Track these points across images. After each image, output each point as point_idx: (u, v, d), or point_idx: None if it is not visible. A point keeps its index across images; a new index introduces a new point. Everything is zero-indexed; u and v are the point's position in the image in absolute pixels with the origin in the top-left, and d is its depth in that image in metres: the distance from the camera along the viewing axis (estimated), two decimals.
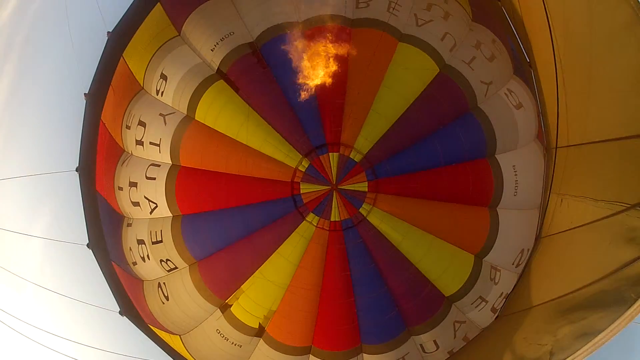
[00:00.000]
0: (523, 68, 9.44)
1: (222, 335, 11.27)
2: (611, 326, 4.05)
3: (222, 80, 11.14)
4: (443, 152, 11.46)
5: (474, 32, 10.58)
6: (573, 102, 6.39)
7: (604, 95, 5.47)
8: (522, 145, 10.59)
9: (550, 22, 6.24)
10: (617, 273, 4.52)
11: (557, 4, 6.07)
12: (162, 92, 10.80)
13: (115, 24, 9.57)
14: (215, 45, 10.91)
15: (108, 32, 9.51)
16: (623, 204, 4.82)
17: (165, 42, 10.51)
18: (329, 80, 11.00)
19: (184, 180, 11.24)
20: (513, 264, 10.75)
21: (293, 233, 11.77)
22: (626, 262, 4.40)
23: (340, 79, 11.19)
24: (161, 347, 10.00)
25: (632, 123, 4.78)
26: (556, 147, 7.35)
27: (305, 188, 11.77)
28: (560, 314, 5.82)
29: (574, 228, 6.47)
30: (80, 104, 9.47)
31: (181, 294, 11.08)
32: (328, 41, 10.80)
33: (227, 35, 10.90)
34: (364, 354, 11.77)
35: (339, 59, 10.90)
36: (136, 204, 10.81)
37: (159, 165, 11.07)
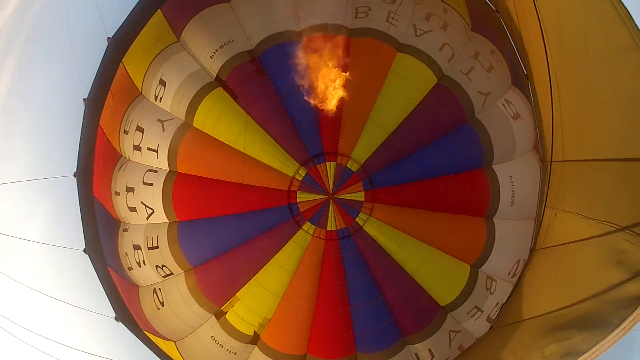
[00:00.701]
0: (521, 79, 9.45)
1: (217, 342, 11.27)
2: (593, 349, 4.07)
3: (220, 88, 11.19)
4: (440, 162, 11.48)
5: (472, 42, 10.58)
6: (569, 118, 6.39)
7: (599, 115, 5.47)
8: (519, 156, 10.59)
9: (545, 39, 6.25)
10: (604, 295, 4.54)
11: (553, 21, 6.07)
12: (161, 98, 10.83)
13: (116, 30, 9.60)
14: (214, 53, 10.95)
15: (108, 37, 9.53)
16: (613, 225, 4.82)
17: (165, 48, 10.54)
18: (326, 90, 11.03)
19: (181, 187, 11.27)
20: (509, 274, 10.74)
21: (289, 241, 11.79)
22: (613, 285, 4.41)
23: (338, 89, 11.21)
24: (156, 354, 9.99)
25: (626, 145, 4.78)
26: (551, 161, 7.34)
27: (301, 197, 11.79)
28: (548, 331, 5.83)
29: (565, 243, 6.47)
30: (79, 109, 9.50)
31: (176, 300, 11.09)
32: (326, 50, 10.81)
33: (226, 43, 10.94)
34: None
35: (337, 68, 10.91)
36: (133, 209, 10.83)
37: (156, 171, 11.09)
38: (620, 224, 4.77)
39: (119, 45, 9.73)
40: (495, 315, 10.54)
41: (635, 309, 3.97)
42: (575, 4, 5.44)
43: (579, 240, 5.83)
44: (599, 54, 5.24)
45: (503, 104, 10.49)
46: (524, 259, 9.80)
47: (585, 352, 4.09)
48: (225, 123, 11.31)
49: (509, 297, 9.16)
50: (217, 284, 11.57)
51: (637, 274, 4.24)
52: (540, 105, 8.27)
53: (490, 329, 9.69)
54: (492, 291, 11.06)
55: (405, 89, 11.35)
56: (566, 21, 5.90)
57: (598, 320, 4.51)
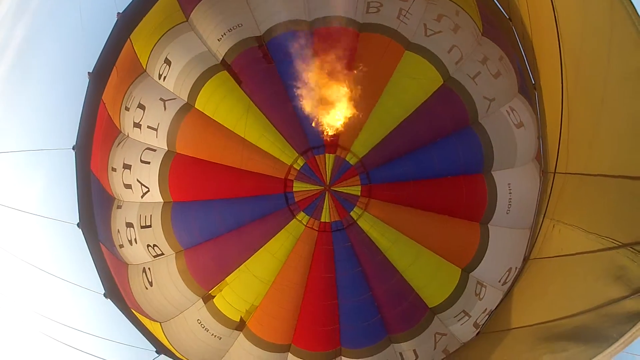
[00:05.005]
0: (527, 89, 9.45)
1: (202, 326, 11.25)
2: None
3: (225, 71, 11.10)
4: (439, 163, 11.45)
5: (482, 46, 10.56)
6: (577, 133, 6.37)
7: (611, 133, 5.44)
8: (520, 165, 10.61)
9: (562, 54, 6.23)
10: (602, 309, 4.55)
11: (574, 39, 6.04)
12: (165, 77, 10.76)
13: (127, 6, 9.54)
14: (222, 36, 10.86)
15: (118, 12, 9.48)
16: (614, 241, 4.82)
17: (173, 27, 10.47)
18: (332, 82, 10.99)
19: (178, 167, 11.20)
20: (499, 282, 10.79)
21: (282, 230, 11.72)
22: (611, 300, 4.42)
23: (344, 82, 11.16)
24: (142, 333, 10.01)
25: (635, 164, 4.77)
26: (555, 172, 7.35)
27: (298, 186, 11.74)
28: (541, 340, 5.84)
29: (563, 255, 6.49)
30: (84, 83, 9.45)
31: (165, 281, 11.05)
32: (335, 43, 10.78)
33: (235, 27, 10.85)
34: (343, 357, 11.79)
35: (344, 61, 10.88)
36: (128, 186, 10.77)
37: (154, 150, 11.03)
38: (622, 241, 4.77)
39: (128, 21, 9.68)
40: (483, 321, 10.58)
41: (635, 324, 3.98)
42: (599, 25, 5.42)
43: (578, 253, 5.84)
44: (618, 76, 5.21)
45: (507, 111, 10.50)
46: (516, 268, 9.85)
47: None
48: (227, 107, 11.24)
49: (499, 304, 9.20)
50: (207, 267, 11.53)
51: (638, 291, 4.25)
52: (546, 117, 8.27)
53: (477, 334, 9.73)
54: (481, 297, 11.10)
55: (410, 87, 11.30)
56: (588, 40, 5.87)
57: (595, 333, 4.53)
